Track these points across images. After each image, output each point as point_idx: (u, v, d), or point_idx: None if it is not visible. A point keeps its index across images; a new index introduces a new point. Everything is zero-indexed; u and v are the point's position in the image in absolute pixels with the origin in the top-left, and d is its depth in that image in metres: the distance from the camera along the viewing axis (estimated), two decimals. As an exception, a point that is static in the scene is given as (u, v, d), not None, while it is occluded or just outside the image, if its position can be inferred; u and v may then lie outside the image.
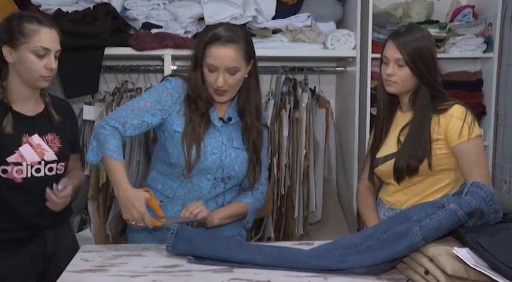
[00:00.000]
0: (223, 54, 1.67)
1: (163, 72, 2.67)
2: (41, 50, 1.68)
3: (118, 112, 1.70)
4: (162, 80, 1.83)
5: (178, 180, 1.76)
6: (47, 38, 1.69)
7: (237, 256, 1.48)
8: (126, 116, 1.68)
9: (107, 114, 2.62)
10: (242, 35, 1.70)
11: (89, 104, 2.69)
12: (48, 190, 1.72)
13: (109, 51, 2.60)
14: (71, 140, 1.88)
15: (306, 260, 1.43)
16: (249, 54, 1.72)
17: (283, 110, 2.72)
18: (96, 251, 1.61)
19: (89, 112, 2.64)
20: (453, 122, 1.72)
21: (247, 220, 1.85)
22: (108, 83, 2.87)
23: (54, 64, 1.71)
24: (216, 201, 1.80)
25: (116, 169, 1.63)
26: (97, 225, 2.66)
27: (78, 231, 2.57)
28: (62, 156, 1.81)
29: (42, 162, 1.76)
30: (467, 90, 2.86)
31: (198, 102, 1.74)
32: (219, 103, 1.78)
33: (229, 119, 1.80)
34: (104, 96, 2.75)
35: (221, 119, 1.79)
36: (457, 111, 1.73)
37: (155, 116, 1.71)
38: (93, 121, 2.64)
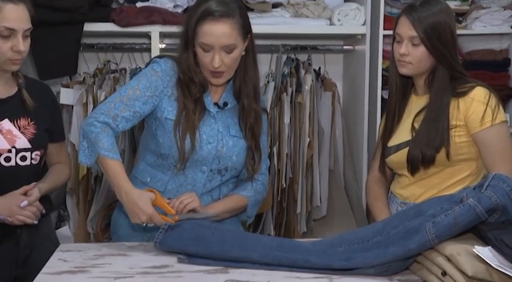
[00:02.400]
0: (218, 31, 1.65)
1: (150, 51, 2.66)
2: (4, 31, 1.64)
3: (106, 105, 1.68)
4: (149, 63, 1.82)
5: (169, 172, 1.76)
6: (12, 16, 1.65)
7: (231, 253, 1.48)
8: (115, 108, 1.67)
9: (87, 98, 2.62)
10: (237, 8, 1.69)
11: (67, 86, 2.68)
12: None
13: (89, 27, 2.58)
14: (51, 126, 1.86)
15: (306, 258, 1.43)
16: (246, 28, 1.71)
17: (284, 94, 2.72)
18: (75, 251, 1.60)
19: (66, 96, 2.63)
20: (474, 106, 1.72)
21: (249, 215, 1.85)
22: (88, 63, 2.85)
23: (22, 46, 1.67)
24: (211, 195, 1.80)
25: (114, 170, 1.62)
26: (77, 222, 2.66)
27: (56, 229, 2.57)
28: (37, 144, 1.80)
29: (13, 150, 1.75)
30: (492, 70, 2.85)
31: (191, 87, 1.73)
32: (216, 86, 1.77)
33: (225, 104, 1.79)
34: (84, 78, 2.74)
35: (216, 104, 1.78)
36: (479, 94, 1.73)
37: (147, 104, 1.71)
38: (72, 106, 2.63)
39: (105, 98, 2.58)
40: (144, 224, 1.60)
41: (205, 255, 1.50)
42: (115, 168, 1.62)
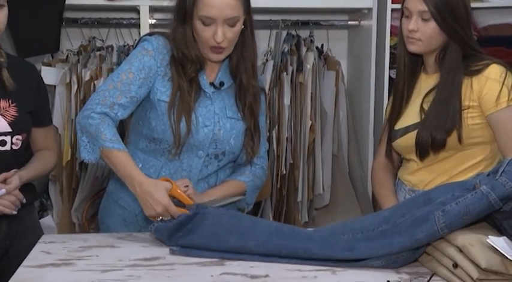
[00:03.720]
0: (222, 3, 1.65)
1: (139, 26, 2.64)
2: None
3: (99, 94, 1.68)
4: (138, 42, 1.81)
5: (163, 158, 1.76)
6: None
7: (227, 242, 1.49)
8: (110, 96, 1.67)
9: (71, 78, 2.60)
10: None
11: (48, 65, 2.67)
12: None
13: (72, 0, 2.55)
14: (36, 109, 1.85)
15: (306, 247, 1.44)
16: (248, 0, 1.71)
17: (284, 73, 2.71)
18: (59, 242, 1.60)
19: (48, 75, 2.61)
20: (489, 86, 1.71)
21: (248, 202, 1.86)
22: (71, 40, 2.83)
23: None
24: (208, 182, 1.80)
25: (122, 161, 1.62)
26: (60, 212, 2.66)
27: (38, 219, 2.57)
28: (18, 127, 1.79)
29: (-9, 133, 1.74)
30: (510, 47, 2.84)
31: (186, 65, 1.72)
32: (214, 62, 1.77)
33: (222, 83, 1.79)
34: (67, 56, 2.72)
35: (212, 84, 1.78)
36: (495, 72, 1.72)
37: (142, 87, 1.71)
38: (54, 86, 2.62)
39: (90, 77, 2.58)
40: (160, 218, 1.58)
41: (200, 246, 1.51)
42: (123, 159, 1.63)
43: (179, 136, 1.71)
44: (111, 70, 2.62)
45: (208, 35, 1.68)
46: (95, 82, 2.59)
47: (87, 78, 2.60)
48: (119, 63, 2.62)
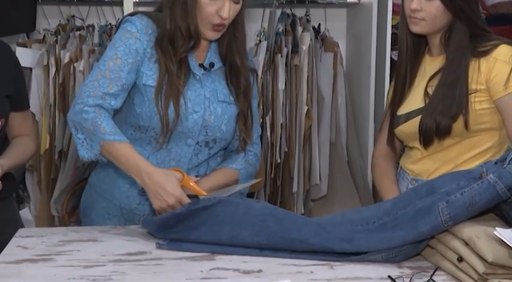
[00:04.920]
0: None
1: (121, 4, 2.62)
2: None
3: (88, 86, 1.67)
4: (119, 24, 1.79)
5: (150, 147, 1.76)
6: None
7: (220, 233, 1.49)
8: (101, 86, 1.66)
9: (48, 60, 2.59)
10: None
11: (23, 45, 2.66)
12: None
13: (49, -25, 2.56)
14: (13, 93, 1.84)
15: (303, 238, 1.44)
16: None
17: (279, 55, 2.71)
18: (37, 236, 1.60)
19: (23, 57, 2.59)
20: (498, 68, 1.71)
21: (241, 191, 1.86)
22: (48, 18, 2.82)
23: None
24: (198, 171, 1.81)
25: (126, 153, 1.62)
26: (38, 204, 2.66)
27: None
28: (-6, 112, 1.79)
29: (-35, 119, 1.73)
30: (521, 26, 2.84)
31: (177, 42, 1.71)
32: (207, 41, 1.76)
33: (212, 64, 1.79)
34: (44, 36, 2.71)
35: (201, 65, 1.78)
36: (504, 52, 1.72)
37: (131, 73, 1.70)
38: (30, 69, 2.61)
39: (70, 60, 2.57)
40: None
41: (190, 239, 1.51)
42: (127, 151, 1.62)
43: (167, 123, 1.70)
44: (92, 52, 2.61)
45: (213, 10, 1.67)
46: (75, 65, 2.58)
47: (66, 60, 2.59)
48: (100, 44, 2.61)
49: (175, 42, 1.71)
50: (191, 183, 1.63)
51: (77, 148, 1.66)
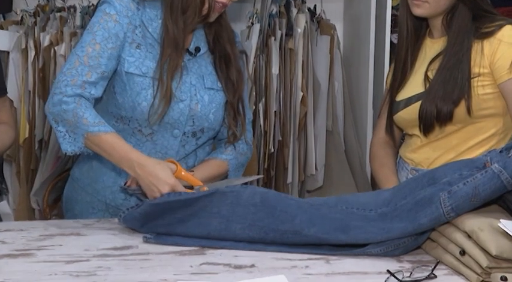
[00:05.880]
0: None
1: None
2: None
3: (66, 75, 1.66)
4: (97, 5, 1.78)
5: (133, 139, 1.76)
6: None
7: (209, 225, 1.49)
8: (79, 74, 1.65)
9: (27, 43, 2.57)
10: None
11: (0, 28, 2.63)
12: None
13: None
14: None
15: (297, 228, 1.44)
16: None
17: (272, 39, 2.70)
18: (16, 230, 1.60)
19: (0, 39, 2.59)
20: (502, 50, 1.72)
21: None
22: (27, -1, 2.80)
23: None
24: (186, 163, 1.81)
25: (114, 144, 1.62)
26: (17, 196, 2.66)
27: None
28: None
29: None
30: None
31: (190, 12, 1.68)
32: (209, 22, 1.76)
33: (198, 49, 1.78)
34: (22, 17, 2.68)
35: (187, 50, 1.77)
36: (509, 34, 1.73)
37: (112, 59, 1.69)
38: (7, 52, 2.59)
39: (50, 43, 2.55)
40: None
41: (178, 232, 1.51)
42: (114, 142, 1.62)
43: (153, 112, 1.70)
44: (74, 35, 2.59)
45: None
46: (55, 48, 2.56)
47: (46, 43, 2.57)
48: (83, 27, 2.59)
49: (187, 10, 1.69)
50: (185, 174, 1.64)
51: (59, 142, 1.65)
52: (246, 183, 1.70)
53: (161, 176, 1.59)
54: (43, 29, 2.63)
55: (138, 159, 1.61)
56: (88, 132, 1.61)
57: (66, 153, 1.66)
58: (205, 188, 1.62)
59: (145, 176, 1.60)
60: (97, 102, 1.79)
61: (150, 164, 1.61)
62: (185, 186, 1.62)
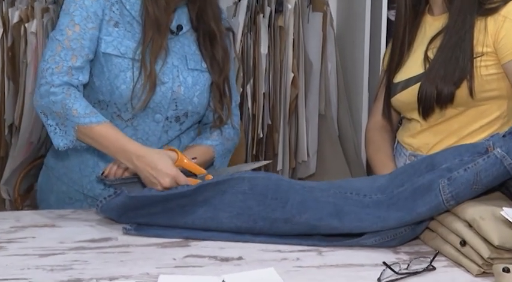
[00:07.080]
0: None
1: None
2: None
3: (49, 62, 1.65)
4: None
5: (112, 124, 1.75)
6: None
7: (192, 214, 1.50)
8: (63, 60, 1.65)
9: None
10: None
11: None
12: None
13: None
14: None
15: (288, 215, 1.45)
16: None
17: (261, 15, 2.70)
18: (-14, 221, 1.60)
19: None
20: (507, 27, 1.72)
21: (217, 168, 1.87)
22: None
23: None
24: (170, 149, 1.81)
25: (108, 135, 1.62)
26: (-14, 186, 2.65)
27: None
28: None
29: None
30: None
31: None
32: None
33: (180, 27, 1.78)
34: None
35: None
36: (514, 10, 1.73)
37: (93, 40, 1.69)
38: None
39: (20, 19, 2.53)
40: None
41: (160, 222, 1.52)
42: (108, 133, 1.62)
43: (134, 96, 1.70)
44: (45, 10, 2.57)
45: None
46: (26, 25, 2.54)
47: (15, 20, 2.54)
48: (55, 2, 2.57)
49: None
50: (187, 162, 1.64)
51: (50, 136, 1.65)
52: (255, 169, 1.71)
53: (161, 167, 1.59)
54: (11, 5, 2.60)
55: (135, 150, 1.62)
56: (79, 124, 1.61)
57: (39, 139, 1.66)
58: (210, 176, 1.63)
59: (144, 167, 1.60)
60: None
61: (149, 154, 1.61)
62: (187, 175, 1.62)
